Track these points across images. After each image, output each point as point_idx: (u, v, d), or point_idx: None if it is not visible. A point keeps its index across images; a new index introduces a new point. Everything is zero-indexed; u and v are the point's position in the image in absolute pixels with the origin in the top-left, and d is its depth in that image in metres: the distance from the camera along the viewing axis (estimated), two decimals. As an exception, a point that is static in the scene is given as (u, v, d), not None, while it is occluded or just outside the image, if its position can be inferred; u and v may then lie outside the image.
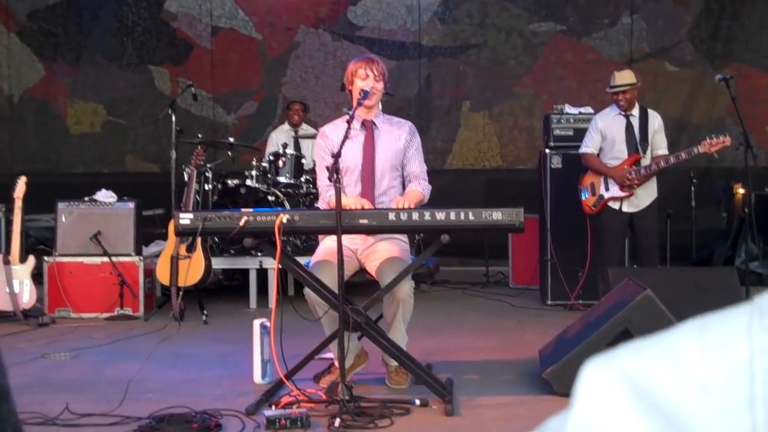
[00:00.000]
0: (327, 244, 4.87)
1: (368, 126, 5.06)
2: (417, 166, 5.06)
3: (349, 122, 4.62)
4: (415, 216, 4.46)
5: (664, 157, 6.97)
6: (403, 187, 5.06)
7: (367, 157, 5.00)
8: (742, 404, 0.44)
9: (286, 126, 9.28)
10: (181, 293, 6.98)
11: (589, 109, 8.04)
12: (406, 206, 4.60)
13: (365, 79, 4.93)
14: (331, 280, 4.47)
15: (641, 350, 0.50)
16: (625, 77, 7.09)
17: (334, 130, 5.02)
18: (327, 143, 4.96)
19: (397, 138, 5.06)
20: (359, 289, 4.98)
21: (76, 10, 11.13)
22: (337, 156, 4.32)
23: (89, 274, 7.42)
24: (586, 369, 0.51)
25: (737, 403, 0.44)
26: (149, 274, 7.57)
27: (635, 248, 7.31)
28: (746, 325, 0.47)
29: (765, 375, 0.45)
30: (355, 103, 4.88)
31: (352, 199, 4.78)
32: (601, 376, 0.49)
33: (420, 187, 4.97)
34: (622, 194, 7.04)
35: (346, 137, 4.53)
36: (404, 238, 5.12)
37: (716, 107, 10.40)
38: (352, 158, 4.96)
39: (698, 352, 0.47)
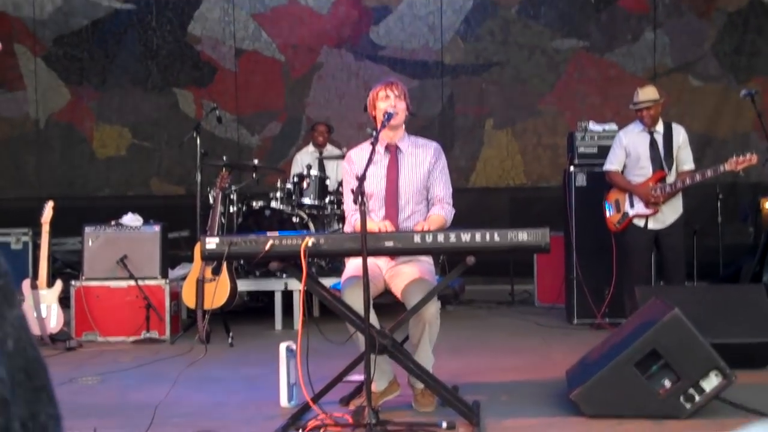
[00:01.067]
0: (356, 261, 4.86)
1: (392, 150, 5.06)
2: (442, 189, 5.05)
3: (373, 145, 4.63)
4: (440, 238, 4.45)
5: (690, 174, 6.93)
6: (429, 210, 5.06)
7: (391, 182, 5.00)
8: None
9: (310, 147, 9.31)
10: (207, 316, 7.00)
11: (613, 126, 8.01)
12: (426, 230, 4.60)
13: (386, 100, 4.94)
14: (360, 297, 4.45)
15: None
16: (648, 93, 7.05)
17: (359, 154, 5.03)
18: (352, 168, 4.97)
19: (422, 161, 5.06)
20: (385, 310, 4.97)
21: (101, 34, 11.24)
22: (361, 179, 4.33)
23: (116, 298, 7.45)
24: None
25: None
26: (175, 297, 7.59)
27: (662, 265, 7.26)
28: None
29: None
30: (379, 126, 4.89)
31: (375, 222, 4.78)
32: None
33: (443, 212, 4.96)
34: (648, 211, 7.00)
35: (370, 160, 4.54)
36: (429, 258, 5.11)
37: (741, 122, 10.34)
38: (375, 183, 4.96)
39: None
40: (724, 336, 5.13)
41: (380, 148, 5.00)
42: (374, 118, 5.03)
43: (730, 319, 5.46)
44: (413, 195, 5.02)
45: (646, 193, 6.96)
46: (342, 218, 8.08)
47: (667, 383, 4.47)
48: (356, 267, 4.69)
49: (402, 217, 4.99)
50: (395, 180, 5.01)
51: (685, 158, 7.08)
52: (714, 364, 4.42)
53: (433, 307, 4.73)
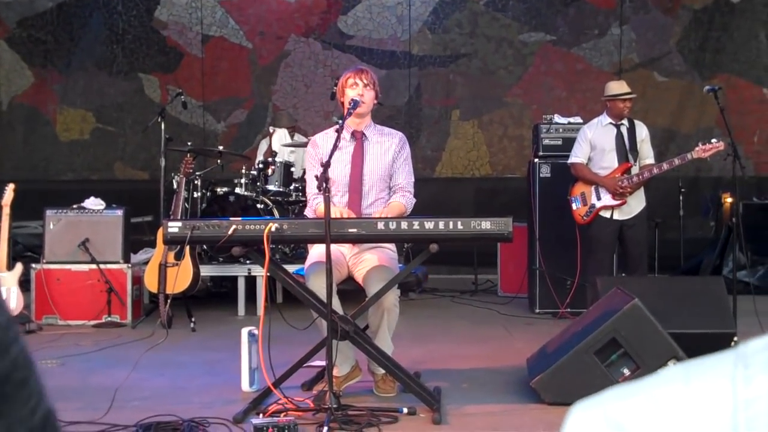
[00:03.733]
0: (320, 248, 4.86)
1: (358, 137, 5.07)
2: (403, 178, 5.07)
3: (338, 131, 4.63)
4: (404, 225, 4.46)
5: (657, 165, 7.00)
6: (391, 199, 5.08)
7: (356, 168, 5.01)
8: None
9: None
10: (169, 301, 6.96)
11: (578, 119, 8.06)
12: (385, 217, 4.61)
13: (354, 87, 4.95)
14: (324, 283, 4.45)
15: (627, 395, 0.50)
16: (625, 86, 7.17)
17: (324, 140, 5.03)
18: (317, 152, 4.96)
19: (386, 149, 5.07)
20: (349, 296, 4.98)
21: (66, 17, 11.11)
22: (326, 165, 4.33)
23: (77, 282, 7.40)
24: (573, 410, 0.51)
25: None
26: (137, 281, 7.55)
27: (624, 257, 7.32)
28: (730, 375, 0.47)
29: (747, 427, 0.45)
30: (345, 113, 4.89)
31: (336, 208, 4.77)
32: (587, 417, 0.50)
33: (403, 200, 4.99)
34: (615, 202, 7.06)
35: (335, 147, 4.54)
36: (392, 246, 5.12)
37: (705, 117, 10.45)
38: (340, 169, 4.97)
39: (683, 402, 0.47)
40: (684, 326, 5.18)
41: (346, 134, 5.01)
42: (342, 104, 5.03)
43: (689, 309, 5.52)
44: (376, 182, 5.03)
45: (613, 184, 7.01)
46: (306, 205, 8.07)
47: (626, 371, 4.52)
48: (320, 253, 4.69)
49: (365, 203, 5.00)
50: (360, 166, 5.02)
51: (647, 153, 7.18)
52: (673, 353, 4.48)
53: (393, 296, 4.74)
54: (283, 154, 8.59)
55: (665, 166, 6.95)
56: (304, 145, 8.55)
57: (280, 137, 8.97)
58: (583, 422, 0.50)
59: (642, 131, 7.19)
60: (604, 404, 0.50)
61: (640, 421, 0.47)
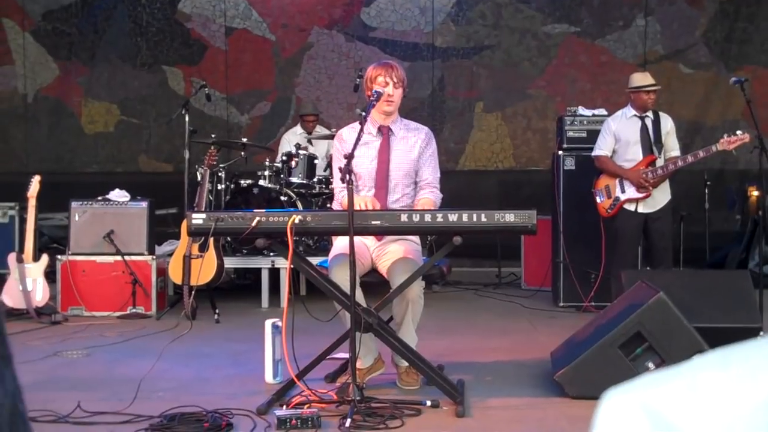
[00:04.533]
0: (344, 240, 4.86)
1: (384, 132, 5.06)
2: (430, 173, 5.07)
3: (362, 124, 4.62)
4: (428, 217, 4.45)
5: (681, 157, 6.96)
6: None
7: (382, 164, 5.01)
8: None
9: (299, 129, 9.29)
10: (193, 292, 7.00)
11: (602, 111, 8.02)
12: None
13: (384, 86, 4.94)
14: (347, 275, 4.45)
15: (663, 380, 0.49)
16: (650, 78, 7.13)
17: (350, 134, 5.02)
18: (343, 146, 4.95)
19: (412, 145, 5.06)
20: (372, 288, 4.98)
21: (91, 10, 11.16)
22: (349, 157, 4.33)
23: (102, 273, 7.45)
24: (607, 396, 0.50)
25: None
26: (162, 273, 7.59)
27: (649, 251, 7.28)
28: None
29: None
30: (369, 105, 4.88)
31: (361, 198, 4.77)
32: (622, 403, 0.49)
33: (432, 195, 4.99)
34: (639, 195, 7.02)
35: (358, 139, 4.54)
36: (416, 239, 5.12)
37: (731, 110, 10.36)
38: (366, 165, 4.97)
39: (722, 388, 0.46)
40: (709, 320, 5.15)
41: (373, 129, 5.02)
42: (368, 97, 5.01)
43: (714, 303, 5.48)
44: (402, 178, 5.03)
45: (637, 177, 6.97)
46: (329, 197, 8.08)
47: (651, 365, 4.49)
48: (343, 245, 4.68)
49: (391, 199, 5.00)
50: (386, 162, 5.02)
51: (672, 145, 7.13)
52: (698, 347, 4.44)
53: (417, 288, 4.74)
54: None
55: (690, 158, 6.90)
56: (328, 137, 8.60)
57: (291, 137, 9.03)
58: (618, 410, 0.49)
59: (667, 123, 7.15)
60: (639, 391, 0.49)
61: (679, 407, 0.47)
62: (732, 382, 0.46)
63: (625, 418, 0.48)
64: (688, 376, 0.48)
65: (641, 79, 7.15)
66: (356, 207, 4.46)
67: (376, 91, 4.86)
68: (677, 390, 0.48)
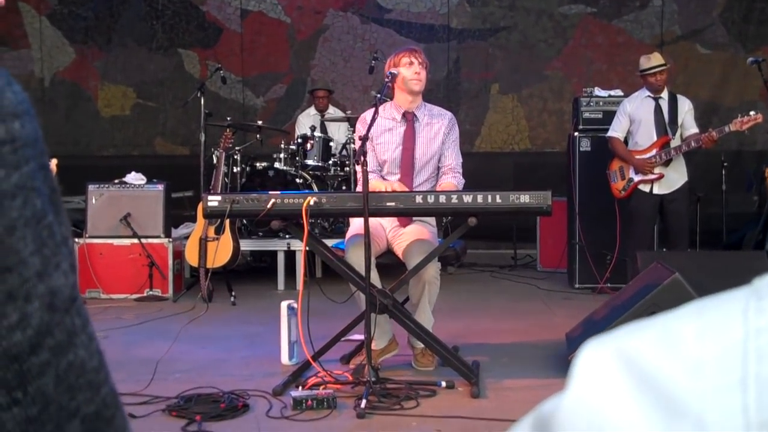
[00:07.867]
0: (360, 221, 4.87)
1: (409, 118, 5.07)
2: (453, 159, 5.09)
3: (375, 106, 4.62)
4: (443, 199, 4.45)
5: (694, 136, 6.91)
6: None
7: (407, 150, 5.02)
8: (734, 383, 0.45)
9: (312, 110, 9.27)
10: (209, 275, 7.03)
11: (618, 92, 7.99)
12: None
13: (409, 66, 4.94)
14: (363, 256, 4.46)
15: (639, 330, 0.50)
16: (658, 58, 7.09)
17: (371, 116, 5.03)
18: (365, 129, 4.96)
19: (436, 132, 5.08)
20: (388, 270, 4.99)
21: (106, -7, 11.18)
22: (364, 139, 4.34)
23: (119, 256, 7.49)
24: (584, 348, 0.52)
25: (729, 382, 0.45)
26: (178, 255, 7.63)
27: (665, 232, 7.27)
28: (743, 307, 0.48)
29: (757, 354, 0.45)
30: (395, 92, 4.93)
31: (388, 183, 4.80)
32: (598, 354, 0.50)
33: (455, 180, 5.01)
34: (653, 176, 7.00)
35: (373, 120, 4.54)
36: (431, 220, 5.13)
37: (748, 90, 10.29)
38: (391, 150, 4.99)
39: (694, 333, 0.48)
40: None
41: (397, 115, 5.04)
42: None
43: (730, 285, 5.35)
44: (426, 164, 5.06)
45: (642, 165, 6.98)
46: (345, 180, 8.09)
47: (666, 346, 4.48)
48: (360, 226, 4.70)
49: (415, 184, 5.01)
50: (411, 149, 5.03)
51: (689, 124, 7.09)
52: (713, 328, 4.43)
53: (433, 269, 4.75)
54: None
55: (704, 137, 6.85)
56: (342, 119, 8.60)
57: (305, 119, 9.03)
58: (594, 359, 0.50)
59: (684, 105, 7.11)
60: (616, 340, 0.51)
61: (652, 353, 0.48)
62: (704, 328, 0.48)
63: (601, 366, 0.49)
64: (664, 325, 0.50)
65: (646, 62, 7.11)
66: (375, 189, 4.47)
67: (390, 72, 4.86)
68: (651, 338, 0.49)
